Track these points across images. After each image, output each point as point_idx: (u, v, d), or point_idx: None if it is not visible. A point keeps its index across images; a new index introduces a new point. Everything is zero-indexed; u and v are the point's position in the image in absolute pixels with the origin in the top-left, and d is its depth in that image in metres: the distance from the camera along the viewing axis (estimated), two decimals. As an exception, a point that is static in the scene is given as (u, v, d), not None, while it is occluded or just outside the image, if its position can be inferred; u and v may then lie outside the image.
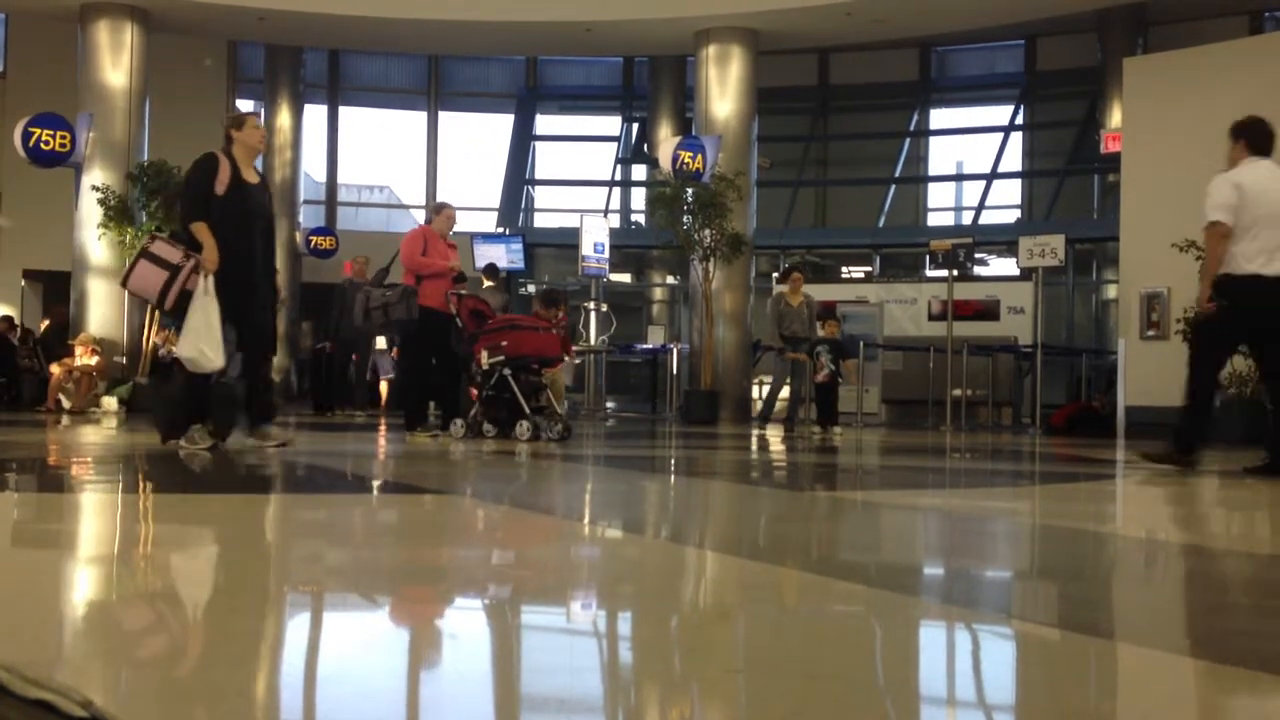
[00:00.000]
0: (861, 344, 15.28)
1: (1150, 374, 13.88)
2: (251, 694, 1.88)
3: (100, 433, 10.56)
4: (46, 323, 18.96)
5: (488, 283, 13.17)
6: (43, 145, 16.55)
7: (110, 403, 15.55)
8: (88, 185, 16.69)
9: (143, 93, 17.46)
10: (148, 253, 7.06)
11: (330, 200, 24.09)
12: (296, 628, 2.49)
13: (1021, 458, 9.77)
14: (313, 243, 21.97)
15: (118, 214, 16.32)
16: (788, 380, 13.56)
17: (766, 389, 18.61)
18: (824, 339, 12.90)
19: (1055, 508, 5.54)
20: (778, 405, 14.21)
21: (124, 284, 7.43)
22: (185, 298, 6.92)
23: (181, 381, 7.24)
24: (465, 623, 2.62)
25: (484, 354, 9.26)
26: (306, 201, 23.07)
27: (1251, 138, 6.79)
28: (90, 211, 16.63)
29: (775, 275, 21.39)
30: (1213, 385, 7.15)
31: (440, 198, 23.32)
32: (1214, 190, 6.71)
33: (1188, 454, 6.89)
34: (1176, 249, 12.52)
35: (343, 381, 15.50)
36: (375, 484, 6.35)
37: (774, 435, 12.42)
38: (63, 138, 16.64)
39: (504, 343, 9.25)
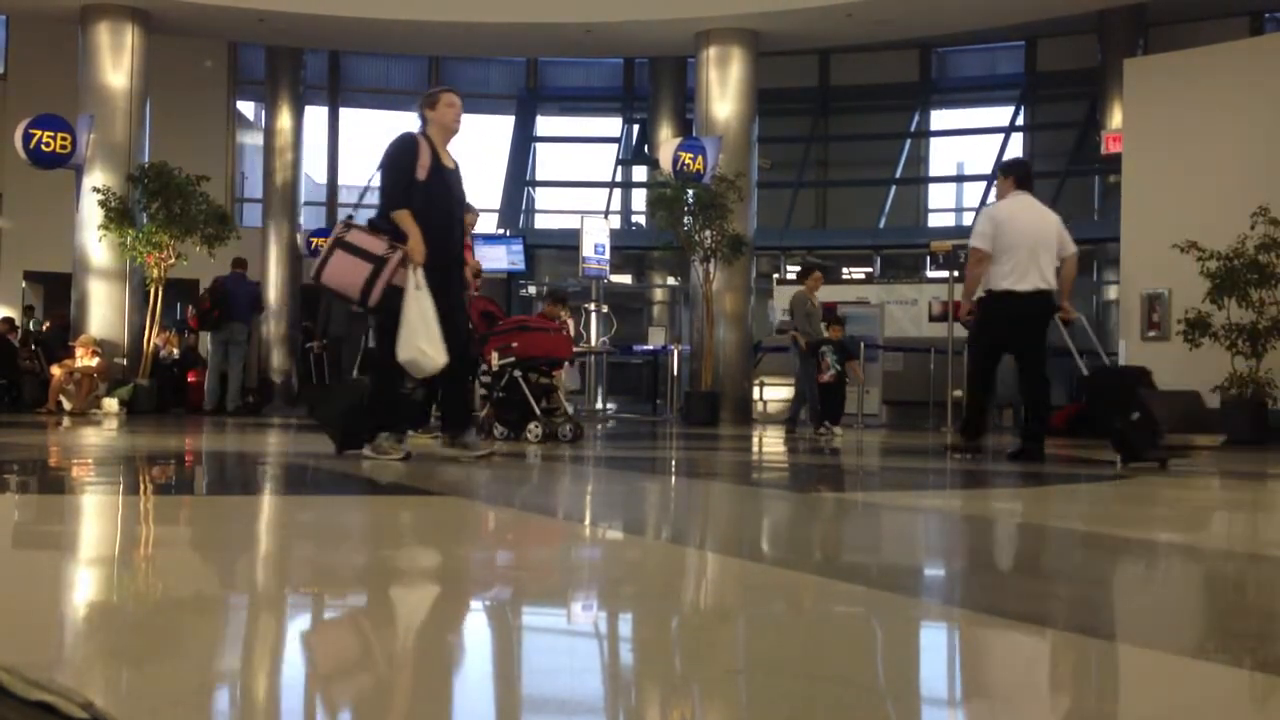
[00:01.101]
0: (862, 345, 15.28)
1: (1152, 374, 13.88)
2: (253, 695, 1.88)
3: (120, 436, 10.56)
4: (47, 324, 18.98)
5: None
6: (43, 147, 16.56)
7: (111, 404, 15.55)
8: (88, 187, 16.69)
9: (143, 94, 17.46)
10: (344, 243, 6.42)
11: (331, 201, 24.09)
12: (296, 629, 2.48)
13: (1022, 459, 9.75)
14: (313, 244, 21.95)
15: (118, 216, 16.33)
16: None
17: (772, 390, 18.62)
18: (828, 340, 12.91)
19: (1055, 509, 5.54)
20: (774, 406, 14.19)
21: (317, 277, 6.57)
22: (389, 294, 6.29)
23: (376, 386, 6.69)
24: (470, 623, 2.62)
25: (494, 355, 9.27)
26: (307, 203, 23.07)
27: (1018, 176, 8.21)
28: (91, 213, 16.63)
29: (775, 276, 21.43)
30: (989, 383, 8.47)
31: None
32: (977, 222, 8.06)
33: (975, 440, 8.28)
34: (1177, 250, 12.52)
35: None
36: (385, 486, 6.35)
37: (798, 438, 12.38)
38: (63, 139, 16.64)
39: (514, 344, 9.26)
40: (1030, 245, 7.78)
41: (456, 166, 6.80)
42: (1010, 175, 8.25)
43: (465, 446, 6.69)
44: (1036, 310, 7.95)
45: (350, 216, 6.76)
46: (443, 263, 6.46)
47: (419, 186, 6.42)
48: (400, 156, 6.53)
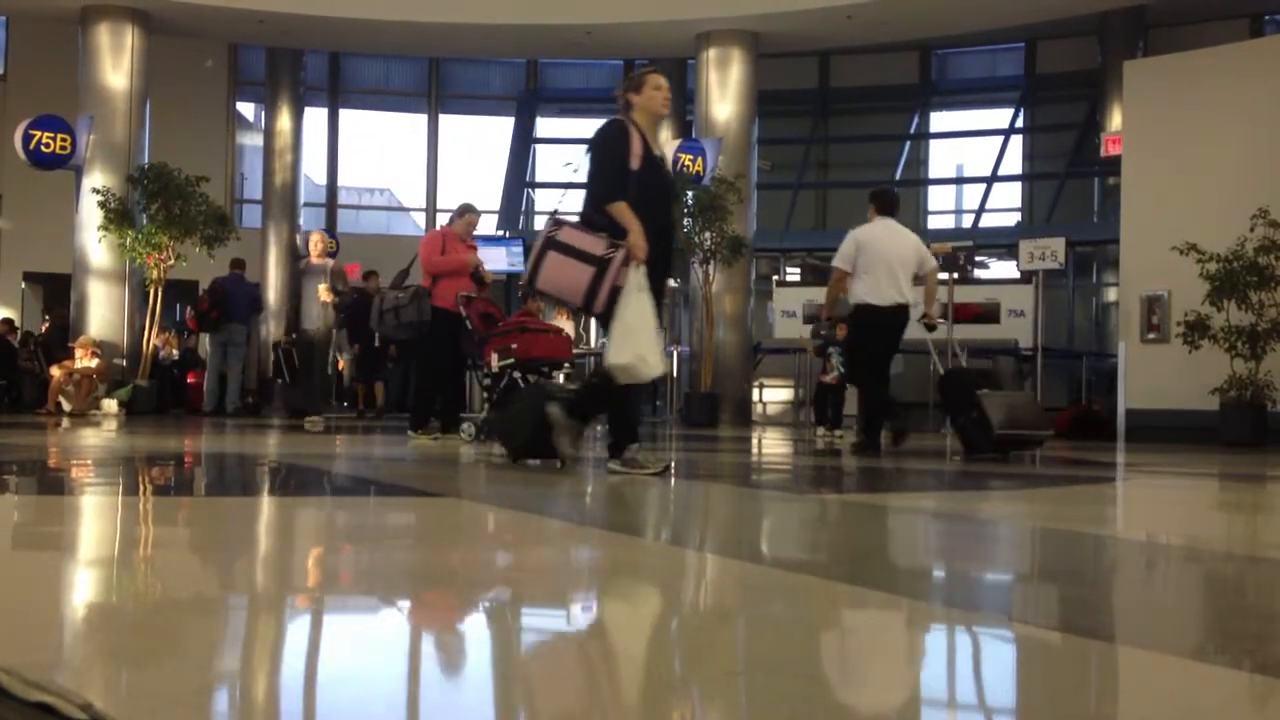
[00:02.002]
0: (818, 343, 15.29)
1: (1151, 377, 13.89)
2: (253, 696, 1.88)
3: (119, 437, 10.55)
4: (46, 324, 18.98)
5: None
6: (43, 148, 16.57)
7: (110, 405, 15.56)
8: (88, 188, 16.70)
9: (143, 95, 17.47)
10: (557, 243, 5.85)
11: (331, 203, 24.10)
12: (297, 630, 2.48)
13: (1022, 461, 9.76)
14: (313, 245, 21.98)
15: (118, 216, 16.34)
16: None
17: (772, 391, 18.63)
18: (835, 341, 12.91)
19: (1056, 511, 5.54)
20: (773, 408, 14.18)
21: (530, 284, 6.01)
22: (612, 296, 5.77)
23: (612, 399, 6.14)
24: (468, 626, 2.62)
25: (494, 357, 9.27)
26: (307, 204, 23.08)
27: (880, 203, 9.11)
28: (90, 214, 16.64)
29: (775, 278, 21.43)
30: (881, 383, 9.11)
31: (441, 201, 23.40)
32: (842, 244, 8.95)
33: (874, 439, 9.01)
34: (1177, 252, 12.52)
35: (306, 383, 13.62)
36: (390, 488, 6.35)
37: (797, 439, 12.40)
38: (63, 140, 16.66)
39: (514, 345, 9.25)
40: (888, 264, 8.70)
41: (663, 156, 6.35)
42: (874, 203, 9.15)
43: (635, 464, 6.01)
44: (894, 322, 8.83)
45: (556, 211, 6.10)
46: (663, 259, 6.00)
47: (632, 176, 5.91)
48: (613, 143, 6.00)
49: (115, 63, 17.25)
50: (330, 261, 12.95)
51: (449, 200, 22.55)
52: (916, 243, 9.04)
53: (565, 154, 25.24)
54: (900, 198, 9.95)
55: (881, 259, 8.72)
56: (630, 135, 5.98)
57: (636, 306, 5.69)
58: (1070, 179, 22.03)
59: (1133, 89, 15.29)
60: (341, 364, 21.16)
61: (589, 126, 25.57)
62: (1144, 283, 14.25)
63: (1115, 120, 18.35)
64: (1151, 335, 14.11)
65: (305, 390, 13.62)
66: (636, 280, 5.70)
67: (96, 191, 16.45)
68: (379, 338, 13.97)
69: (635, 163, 5.90)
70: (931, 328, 9.20)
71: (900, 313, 8.80)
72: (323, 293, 12.45)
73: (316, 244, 12.87)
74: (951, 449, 9.43)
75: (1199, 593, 3.26)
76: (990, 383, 9.16)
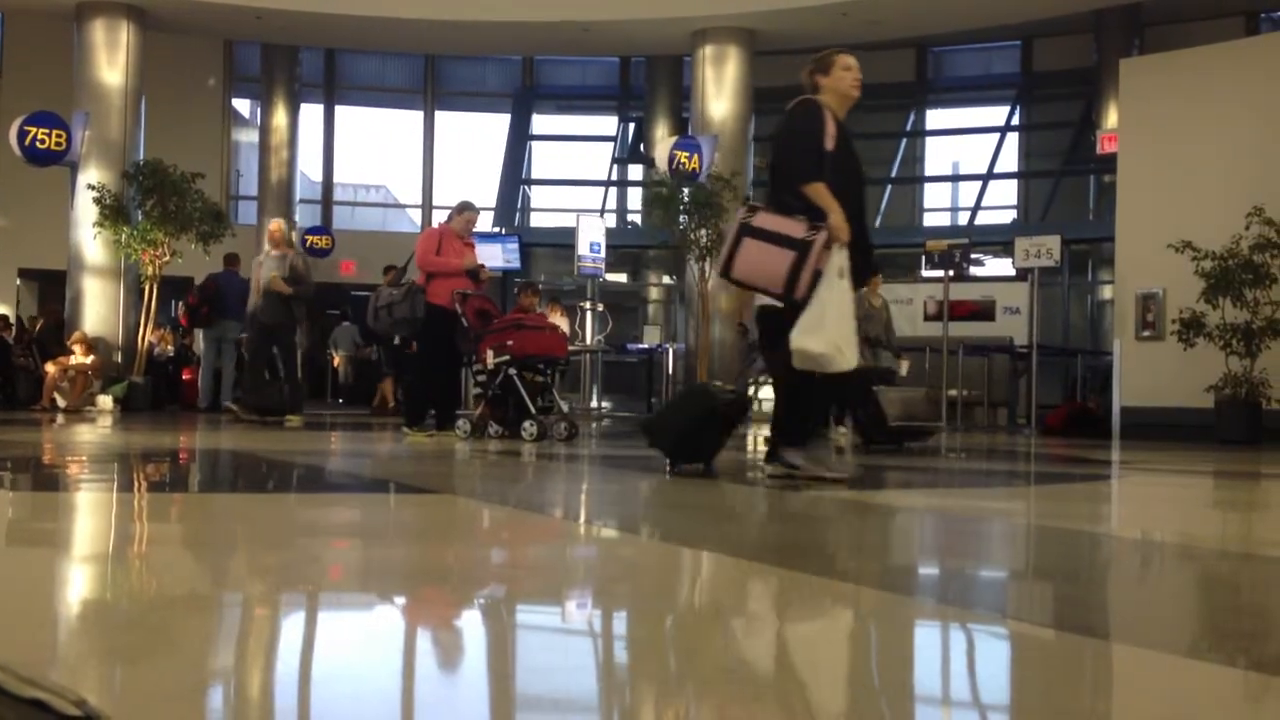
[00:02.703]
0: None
1: (1146, 375, 13.90)
2: (247, 692, 1.88)
3: (114, 434, 10.53)
4: (40, 321, 18.94)
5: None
6: (38, 144, 16.54)
7: (105, 402, 15.54)
8: (83, 184, 16.68)
9: (139, 92, 17.45)
10: (752, 229, 5.50)
11: (326, 199, 24.08)
12: (291, 627, 2.48)
13: (1017, 458, 9.78)
14: (309, 242, 21.96)
15: (113, 213, 16.31)
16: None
17: (767, 389, 18.61)
18: None
19: (1050, 508, 5.55)
20: (768, 405, 14.13)
21: (725, 273, 5.66)
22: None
23: (788, 396, 5.80)
24: (463, 623, 2.62)
25: (489, 354, 9.27)
26: (303, 200, 23.07)
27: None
28: (86, 210, 16.62)
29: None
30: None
31: (437, 197, 23.39)
32: None
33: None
34: (1172, 250, 12.53)
35: (256, 377, 12.53)
36: (381, 485, 6.35)
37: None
38: (58, 136, 16.63)
39: (509, 342, 9.26)
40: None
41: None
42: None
43: (802, 469, 5.60)
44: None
45: (748, 198, 5.80)
46: (861, 244, 5.66)
47: (826, 158, 5.61)
48: (808, 122, 5.68)
49: (111, 59, 17.22)
50: (291, 252, 12.24)
51: (445, 197, 22.57)
52: None
53: (561, 151, 25.26)
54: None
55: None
56: (825, 114, 5.71)
57: (837, 293, 5.37)
58: (1066, 177, 22.04)
59: (1128, 87, 15.30)
60: (337, 360, 21.19)
61: (585, 123, 25.61)
62: (1139, 280, 14.25)
63: (1111, 118, 18.36)
64: (1146, 333, 14.12)
65: (250, 385, 12.62)
66: (838, 264, 5.38)
67: (92, 188, 16.43)
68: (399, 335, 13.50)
69: (830, 144, 5.61)
70: None
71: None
72: (275, 283, 11.66)
73: (274, 233, 12.21)
74: (851, 442, 10.07)
75: (1192, 590, 3.27)
76: (887, 380, 10.28)
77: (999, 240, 20.22)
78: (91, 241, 16.68)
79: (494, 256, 20.18)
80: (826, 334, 5.34)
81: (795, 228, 5.39)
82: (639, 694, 1.96)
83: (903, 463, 8.50)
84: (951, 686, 2.06)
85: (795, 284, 5.35)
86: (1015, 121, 22.94)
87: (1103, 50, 19.69)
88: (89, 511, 4.57)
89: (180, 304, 17.87)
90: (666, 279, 23.19)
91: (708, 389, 6.42)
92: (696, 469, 6.12)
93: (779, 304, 5.53)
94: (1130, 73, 15.52)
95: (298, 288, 11.82)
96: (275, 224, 12.50)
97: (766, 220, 5.49)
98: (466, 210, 9.94)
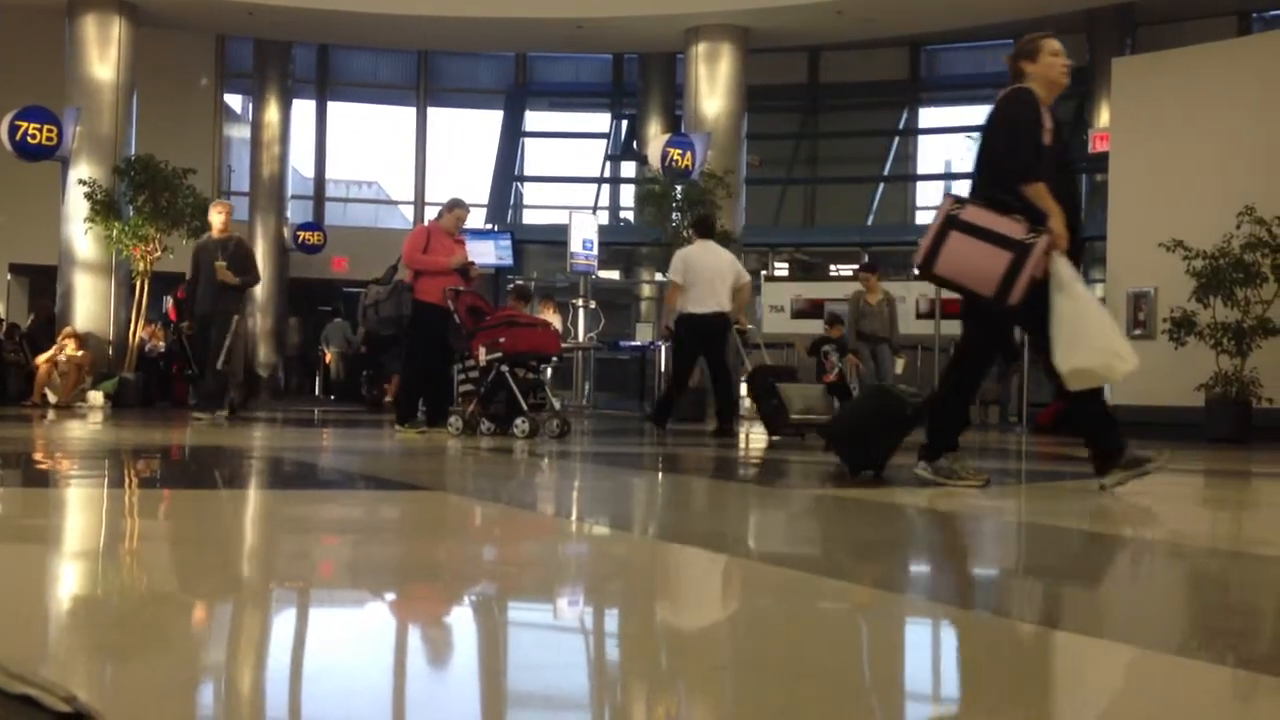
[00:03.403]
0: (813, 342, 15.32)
1: (1137, 373, 13.88)
2: (237, 689, 1.88)
3: (104, 430, 10.51)
4: (32, 317, 18.90)
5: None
6: (29, 139, 16.49)
7: (96, 397, 15.51)
8: (74, 179, 16.64)
9: (130, 87, 17.40)
10: (962, 223, 5.09)
11: (318, 195, 24.05)
12: (282, 624, 2.48)
13: (1008, 456, 9.80)
14: (300, 238, 21.95)
15: (104, 208, 16.27)
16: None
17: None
18: (829, 339, 12.93)
19: (1040, 506, 5.56)
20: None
21: (927, 267, 5.22)
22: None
23: (944, 401, 5.53)
24: (454, 619, 2.62)
25: (482, 351, 9.27)
26: (294, 196, 23.02)
27: (700, 228, 10.77)
28: (77, 206, 16.57)
29: (764, 273, 21.43)
30: (685, 381, 10.83)
31: (429, 194, 23.37)
32: (672, 261, 10.48)
33: (662, 423, 10.68)
34: (1163, 249, 12.55)
35: (199, 373, 12.00)
36: (374, 482, 6.34)
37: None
38: (49, 131, 16.58)
39: (502, 339, 9.26)
40: (709, 278, 10.09)
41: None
42: (695, 228, 10.93)
43: (951, 474, 5.36)
44: (716, 326, 10.19)
45: (949, 189, 5.15)
46: (1075, 250, 5.26)
47: (1045, 154, 5.19)
48: (1024, 114, 5.24)
49: (102, 54, 17.18)
50: (235, 237, 11.42)
51: (437, 193, 22.53)
52: (732, 260, 10.49)
53: (554, 148, 25.24)
54: (717, 222, 11.79)
55: (704, 275, 10.09)
56: (1040, 106, 5.27)
57: (1083, 301, 5.07)
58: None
59: (1120, 86, 15.32)
60: (329, 358, 21.18)
61: (578, 120, 25.60)
62: (1130, 279, 14.28)
63: (1103, 117, 18.38)
64: (1138, 332, 14.13)
65: (198, 382, 11.89)
66: (1068, 271, 5.04)
67: (83, 183, 16.38)
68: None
69: (1047, 138, 5.21)
70: (743, 331, 10.90)
71: (720, 319, 10.17)
72: (221, 273, 10.80)
73: (219, 215, 11.30)
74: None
75: (1182, 588, 3.27)
76: (789, 377, 11.12)
77: (991, 239, 20.21)
78: (83, 237, 16.64)
79: (486, 253, 20.18)
80: (1092, 345, 5.07)
81: (1013, 227, 5.00)
82: (631, 691, 1.96)
83: (899, 460, 8.51)
84: (943, 684, 2.06)
85: (1010, 289, 4.97)
86: (1008, 120, 22.93)
87: (1095, 49, 19.71)
88: (76, 508, 4.56)
89: (169, 299, 17.86)
90: (659, 276, 23.18)
91: (896, 393, 6.10)
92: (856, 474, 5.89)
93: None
94: (1122, 72, 15.54)
95: (244, 277, 11.11)
96: (221, 206, 11.58)
97: (979, 215, 5.09)
98: (457, 208, 9.92)
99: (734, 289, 10.23)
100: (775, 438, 10.21)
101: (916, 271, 5.38)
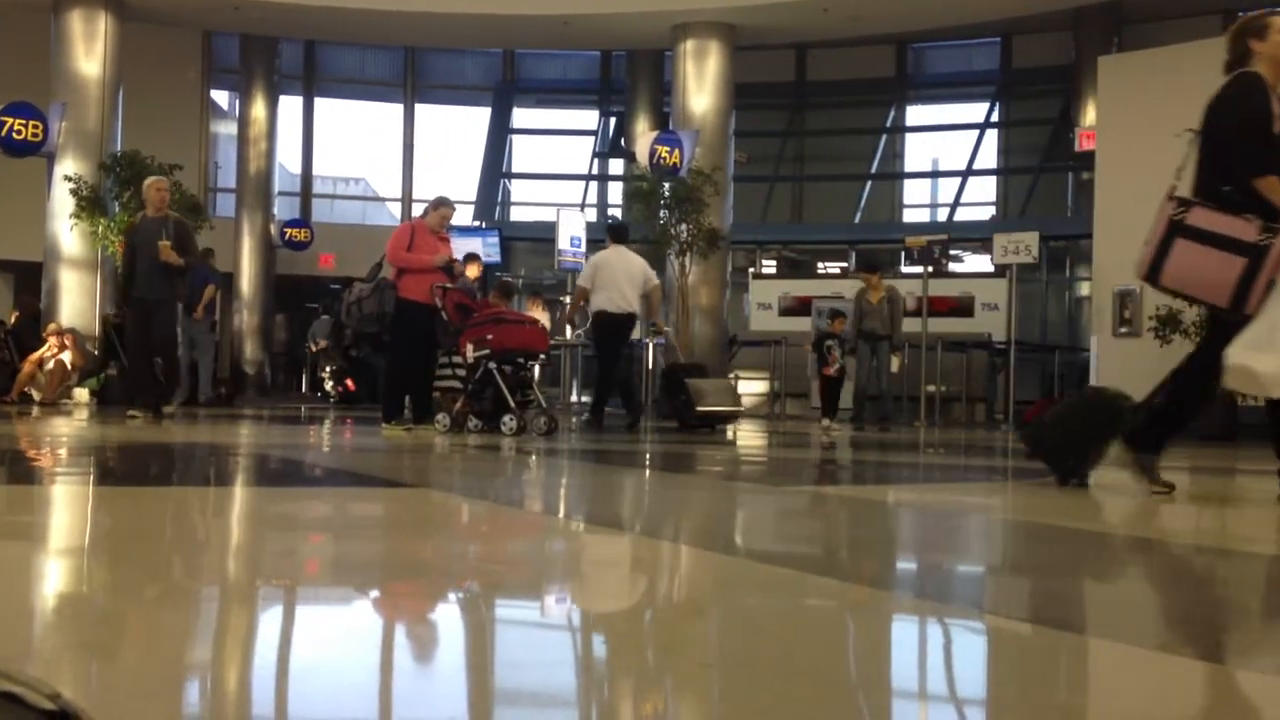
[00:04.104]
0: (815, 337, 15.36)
1: (1123, 371, 13.96)
2: (223, 686, 1.87)
3: (89, 427, 10.46)
4: (16, 314, 18.81)
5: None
6: (15, 135, 16.43)
7: (81, 394, 15.46)
8: (60, 175, 16.58)
9: (116, 83, 17.34)
10: (1188, 228, 4.77)
11: (305, 192, 23.98)
12: (269, 621, 2.48)
13: (994, 454, 9.83)
14: (287, 234, 21.89)
15: (90, 204, 16.22)
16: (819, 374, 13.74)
17: (748, 384, 18.66)
18: (832, 334, 12.98)
19: (1025, 503, 5.57)
20: (748, 400, 14.19)
21: (1153, 279, 4.93)
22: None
23: (1177, 399, 5.20)
24: (441, 617, 2.61)
25: (469, 347, 9.27)
26: (281, 193, 22.96)
27: (613, 234, 11.43)
28: (62, 202, 16.52)
29: (751, 270, 21.46)
30: (613, 378, 11.43)
31: (417, 191, 23.32)
32: (584, 266, 11.36)
33: (599, 417, 11.26)
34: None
35: (132, 365, 10.99)
36: (358, 479, 6.33)
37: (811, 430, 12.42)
38: (35, 127, 16.52)
39: (489, 336, 9.25)
40: (619, 282, 10.81)
41: None
42: (609, 234, 11.51)
43: (1151, 476, 5.08)
44: (625, 325, 11.06)
45: (1174, 187, 4.81)
46: None
47: (1274, 143, 4.77)
48: (1255, 101, 4.83)
49: (88, 49, 17.11)
50: (173, 216, 10.57)
51: (425, 190, 22.51)
52: (643, 265, 11.19)
53: (541, 145, 25.22)
54: (630, 228, 12.47)
55: (614, 278, 10.80)
56: (1269, 91, 4.83)
57: None
58: (1044, 173, 22.13)
59: (1107, 84, 15.37)
60: (314, 349, 21.11)
61: (566, 118, 25.57)
62: (1116, 277, 14.32)
63: (1089, 115, 18.44)
64: (1123, 329, 14.20)
65: (130, 374, 11.02)
66: None
67: (69, 179, 16.33)
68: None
69: (1277, 125, 4.78)
70: (658, 332, 11.82)
71: (627, 319, 11.01)
72: (165, 252, 9.92)
73: (156, 192, 10.45)
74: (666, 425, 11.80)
75: (1167, 585, 3.29)
76: (698, 374, 12.09)
77: (978, 236, 20.29)
78: (68, 233, 16.58)
79: (474, 251, 20.15)
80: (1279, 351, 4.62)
81: (1244, 229, 4.63)
82: (619, 690, 1.96)
83: (877, 458, 8.53)
84: (929, 681, 2.07)
85: (1246, 297, 4.63)
86: (994, 118, 23.02)
87: (1081, 47, 19.77)
88: (63, 505, 4.55)
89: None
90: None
91: (1110, 395, 5.72)
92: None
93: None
94: (1109, 70, 15.59)
95: (187, 258, 10.26)
96: (157, 181, 10.77)
97: (1206, 219, 4.74)
98: (442, 206, 9.91)
99: (643, 293, 11.00)
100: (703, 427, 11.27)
101: (1143, 282, 5.10)
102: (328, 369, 18.87)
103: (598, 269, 11.01)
